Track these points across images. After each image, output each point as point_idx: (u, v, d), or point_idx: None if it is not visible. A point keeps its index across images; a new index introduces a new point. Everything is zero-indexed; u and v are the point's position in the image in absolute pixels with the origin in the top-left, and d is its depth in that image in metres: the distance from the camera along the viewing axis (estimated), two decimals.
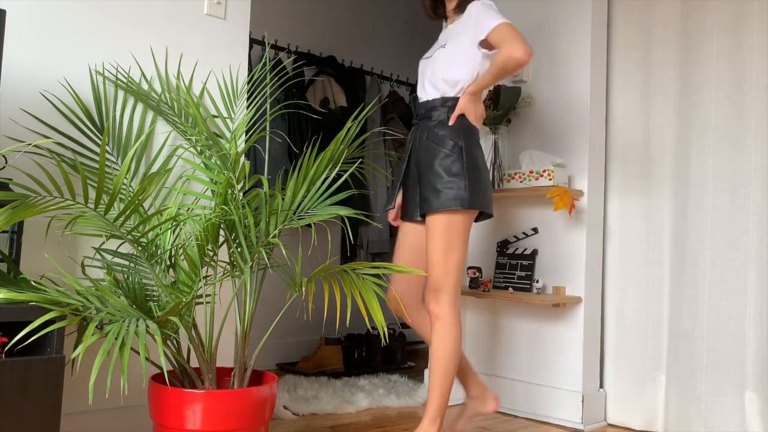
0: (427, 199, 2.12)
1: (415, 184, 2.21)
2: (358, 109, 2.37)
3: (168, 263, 1.86)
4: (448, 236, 2.11)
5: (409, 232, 2.29)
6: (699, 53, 2.59)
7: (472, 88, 2.15)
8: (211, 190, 2.02)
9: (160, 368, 1.92)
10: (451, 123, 2.16)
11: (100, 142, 2.05)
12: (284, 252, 1.85)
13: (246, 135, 2.33)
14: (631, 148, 2.76)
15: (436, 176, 2.12)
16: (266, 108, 3.11)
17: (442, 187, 2.10)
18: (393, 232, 4.18)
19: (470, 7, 2.19)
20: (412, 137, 2.26)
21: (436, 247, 2.12)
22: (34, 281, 1.62)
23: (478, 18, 2.14)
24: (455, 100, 2.17)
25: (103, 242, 1.90)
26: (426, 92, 2.24)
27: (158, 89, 2.21)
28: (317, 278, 1.80)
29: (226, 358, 2.28)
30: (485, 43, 2.13)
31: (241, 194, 1.94)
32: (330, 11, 4.18)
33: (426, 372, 3.09)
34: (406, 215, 2.26)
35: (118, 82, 2.11)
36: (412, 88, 4.45)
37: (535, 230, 2.87)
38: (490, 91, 2.85)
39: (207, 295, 2.03)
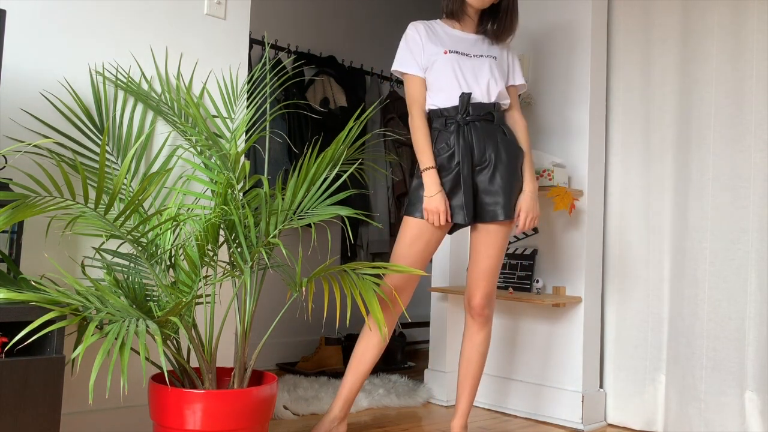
0: (506, 205, 2.13)
1: (471, 185, 2.11)
2: (359, 109, 2.37)
3: (168, 263, 1.86)
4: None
5: (438, 233, 2.16)
6: (699, 53, 2.59)
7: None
8: (211, 190, 2.02)
9: (160, 368, 1.92)
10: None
11: (100, 142, 2.05)
12: (284, 252, 1.85)
13: (246, 135, 2.33)
14: (631, 148, 2.76)
15: (519, 182, 2.18)
16: (266, 108, 3.11)
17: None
18: (393, 232, 4.17)
19: (508, 48, 2.35)
20: (459, 135, 2.13)
21: (501, 255, 2.20)
22: (34, 281, 1.62)
23: (517, 63, 2.33)
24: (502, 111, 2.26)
25: (103, 242, 1.90)
26: (483, 93, 2.18)
27: (158, 89, 2.21)
28: (317, 278, 1.80)
29: (226, 358, 2.28)
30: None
31: (241, 194, 1.94)
32: (330, 11, 4.18)
33: (426, 372, 3.09)
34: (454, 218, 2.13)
35: (118, 82, 2.11)
36: None
37: (535, 230, 2.87)
38: None
39: (207, 295, 2.03)
